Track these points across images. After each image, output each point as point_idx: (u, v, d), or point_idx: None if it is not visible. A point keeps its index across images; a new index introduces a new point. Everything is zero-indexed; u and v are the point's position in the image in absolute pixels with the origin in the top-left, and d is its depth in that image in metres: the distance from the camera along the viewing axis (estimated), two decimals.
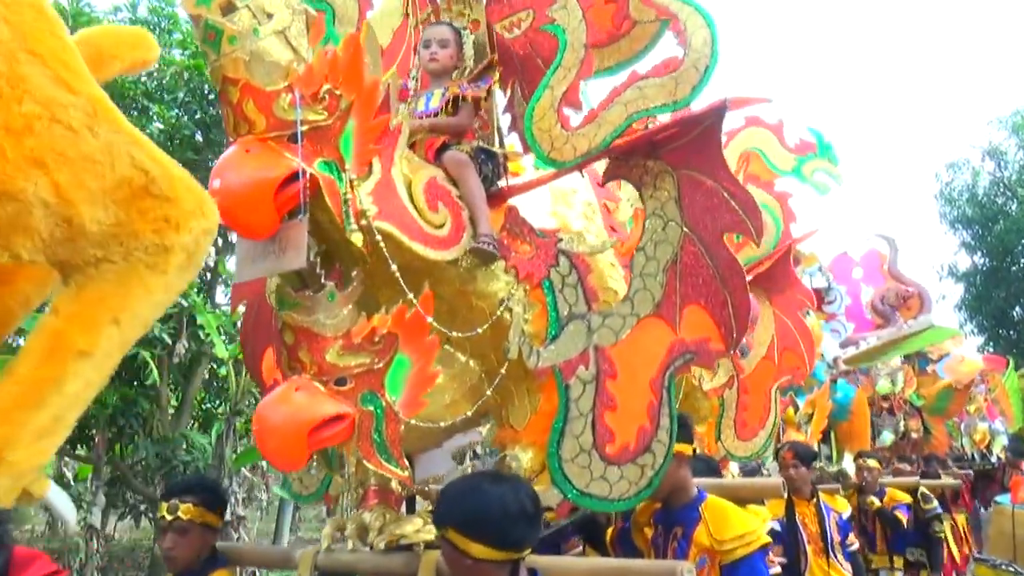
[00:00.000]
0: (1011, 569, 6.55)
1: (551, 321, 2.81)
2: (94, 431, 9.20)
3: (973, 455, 13.57)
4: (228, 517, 9.23)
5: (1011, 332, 27.10)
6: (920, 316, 10.78)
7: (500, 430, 2.96)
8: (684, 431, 3.00)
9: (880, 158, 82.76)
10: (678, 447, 2.93)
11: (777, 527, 5.29)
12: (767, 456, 5.65)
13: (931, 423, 11.81)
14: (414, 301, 2.51)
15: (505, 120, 3.32)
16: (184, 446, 9.71)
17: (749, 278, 2.99)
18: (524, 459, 2.81)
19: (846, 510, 5.48)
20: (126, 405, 8.93)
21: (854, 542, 5.43)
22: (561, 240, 2.89)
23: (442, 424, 2.73)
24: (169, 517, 2.86)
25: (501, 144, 3.28)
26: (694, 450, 3.17)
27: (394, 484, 2.77)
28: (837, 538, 5.26)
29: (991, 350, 27.45)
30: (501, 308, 2.78)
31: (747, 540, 2.96)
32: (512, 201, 3.07)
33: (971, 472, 11.77)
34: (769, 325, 5.16)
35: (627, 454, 2.80)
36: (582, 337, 2.82)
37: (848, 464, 7.86)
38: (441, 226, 2.65)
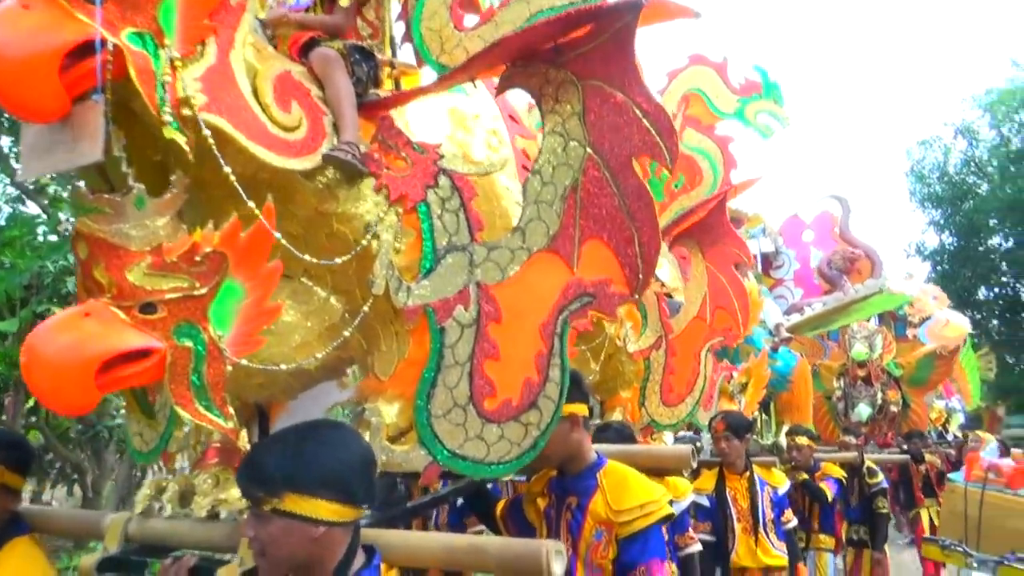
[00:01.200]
0: (959, 550, 6.20)
1: (425, 252, 2.38)
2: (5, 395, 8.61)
3: (930, 433, 13.14)
4: None
5: (977, 312, 27.06)
6: (869, 280, 10.27)
7: (365, 379, 2.52)
8: (578, 390, 2.62)
9: (851, 134, 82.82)
10: (571, 407, 2.56)
11: (706, 502, 4.96)
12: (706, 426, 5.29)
13: (910, 395, 10.87)
14: (257, 212, 2.07)
15: (401, 30, 2.88)
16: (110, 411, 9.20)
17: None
18: (388, 414, 2.36)
19: (783, 485, 5.10)
20: None
21: (790, 519, 5.05)
22: (443, 157, 2.44)
23: (284, 367, 2.29)
24: None
25: (393, 54, 2.84)
26: (590, 410, 2.76)
27: (243, 442, 2.36)
28: (770, 515, 4.90)
29: None
30: (368, 234, 2.35)
31: (647, 511, 2.57)
32: (402, 126, 2.64)
33: (952, 452, 10.70)
34: (701, 281, 4.77)
35: (509, 410, 2.41)
36: (462, 272, 2.40)
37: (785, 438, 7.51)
38: (293, 129, 2.21)
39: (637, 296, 2.50)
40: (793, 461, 6.67)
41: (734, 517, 4.85)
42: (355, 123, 2.33)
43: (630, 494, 2.61)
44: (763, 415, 8.30)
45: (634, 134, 2.36)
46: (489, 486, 3.43)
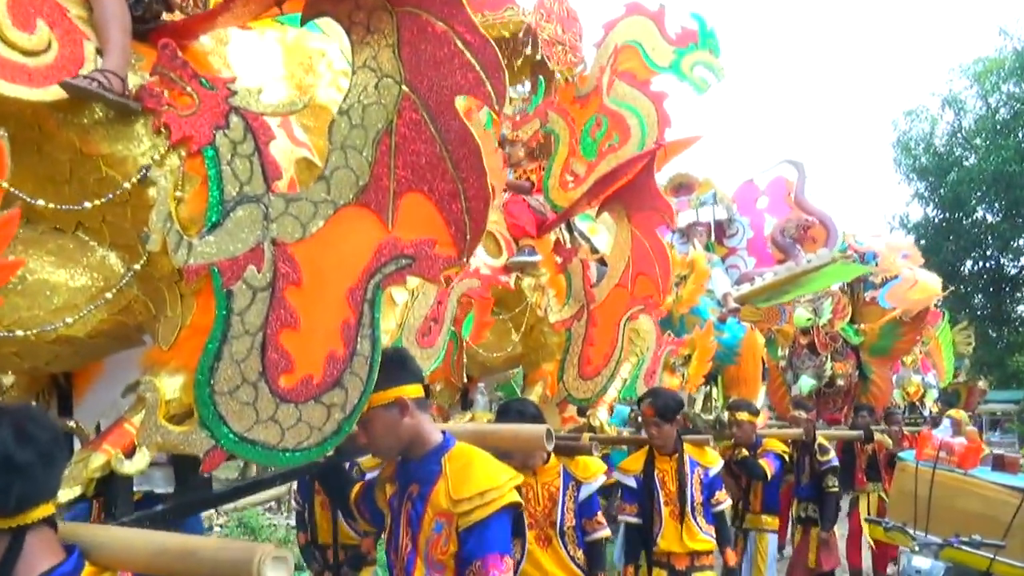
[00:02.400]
0: (906, 532, 5.89)
1: (212, 203, 2.03)
2: None
3: (905, 409, 12.62)
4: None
5: (962, 287, 26.79)
6: (822, 250, 9.81)
7: (148, 350, 2.19)
8: (404, 369, 2.33)
9: (837, 105, 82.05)
10: (398, 390, 2.27)
11: (633, 483, 4.68)
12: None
13: (871, 366, 10.38)
14: None
15: None
16: None
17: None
18: (167, 388, 2.03)
19: (715, 465, 4.77)
20: None
21: (720, 501, 4.74)
22: (235, 94, 2.10)
23: (32, 332, 1.96)
24: None
25: None
26: (426, 389, 2.43)
27: None
28: (699, 498, 4.60)
29: (942, 306, 27.13)
30: (136, 178, 2.00)
31: (487, 499, 2.26)
32: (219, 62, 2.31)
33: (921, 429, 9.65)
34: (626, 247, 4.45)
35: (309, 389, 2.11)
36: (255, 227, 2.06)
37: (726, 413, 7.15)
38: (37, 53, 1.86)
39: (464, 260, 2.18)
40: (734, 437, 6.41)
41: (661, 500, 4.55)
42: (123, 49, 1.97)
43: (471, 481, 2.30)
44: (711, 388, 8.01)
45: (457, 71, 2.04)
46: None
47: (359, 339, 2.15)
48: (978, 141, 25.61)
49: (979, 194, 25.54)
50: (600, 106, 4.84)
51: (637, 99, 4.72)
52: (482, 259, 4.31)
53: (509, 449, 2.70)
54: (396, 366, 2.27)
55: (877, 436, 8.70)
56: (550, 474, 3.86)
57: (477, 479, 2.31)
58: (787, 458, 6.64)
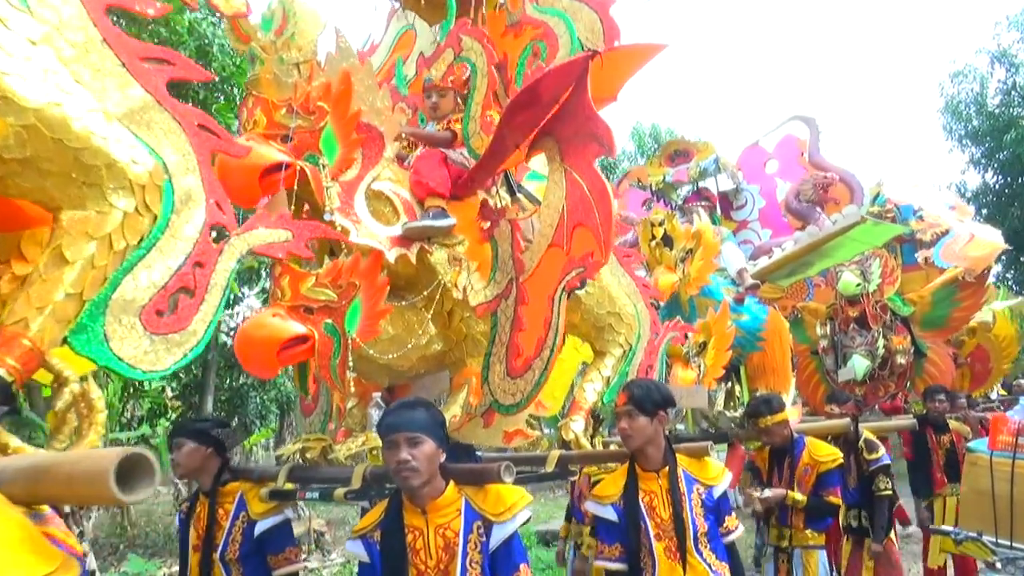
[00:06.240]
0: (983, 543, 4.51)
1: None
2: None
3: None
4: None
5: None
6: (848, 208, 8.26)
7: None
8: None
9: (879, 75, 79.08)
10: None
11: (613, 515, 3.50)
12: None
13: (925, 341, 8.62)
14: None
15: None
16: None
17: None
18: None
19: (719, 480, 3.54)
20: None
21: (731, 529, 3.50)
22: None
23: None
24: None
25: None
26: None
27: None
28: (703, 525, 3.40)
29: (1011, 277, 25.06)
30: None
31: None
32: None
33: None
34: (559, 193, 3.30)
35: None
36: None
37: None
38: None
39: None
40: (765, 441, 5.20)
41: (651, 533, 3.39)
42: None
43: None
44: (733, 383, 6.77)
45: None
46: None
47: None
48: None
49: None
50: (536, 28, 3.74)
51: (571, 6, 3.62)
52: (370, 230, 3.23)
53: (64, 499, 1.77)
54: None
55: (952, 424, 7.18)
56: (446, 512, 2.67)
57: None
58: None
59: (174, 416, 16.52)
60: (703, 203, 9.19)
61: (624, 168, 19.62)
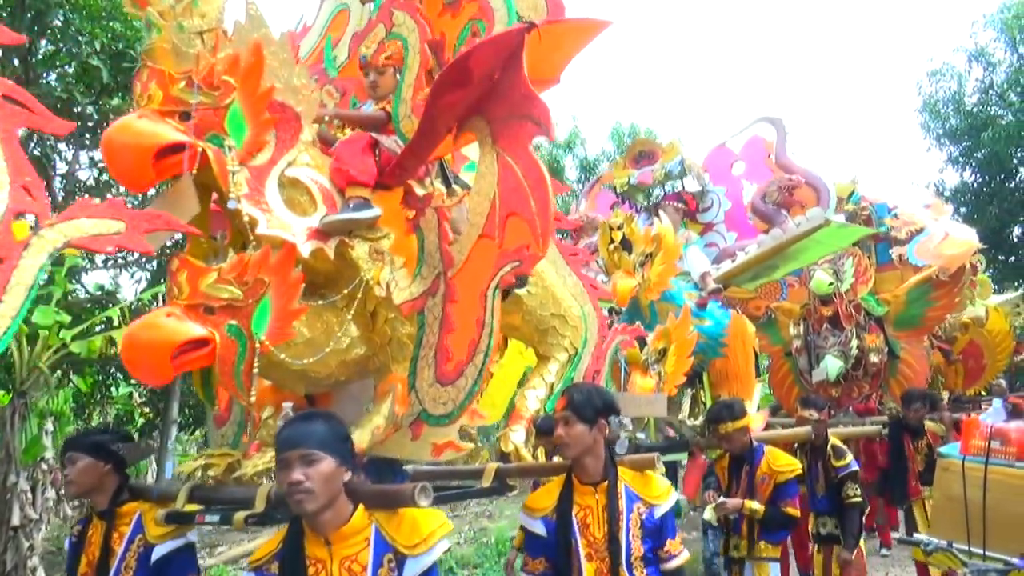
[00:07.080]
0: (954, 552, 4.26)
1: None
2: None
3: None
4: (16, 521, 7.50)
5: (1011, 255, 24.97)
6: (812, 210, 8.09)
7: None
8: None
9: (856, 73, 79.39)
10: None
11: (542, 529, 3.20)
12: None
13: (900, 341, 8.57)
14: None
15: None
16: None
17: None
18: None
19: (663, 500, 3.21)
20: None
21: (673, 554, 3.19)
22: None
23: None
24: None
25: None
26: None
27: None
28: (639, 548, 3.10)
29: (989, 275, 24.96)
30: None
31: None
32: None
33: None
34: (491, 179, 3.00)
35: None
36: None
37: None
38: None
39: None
40: (725, 448, 4.99)
41: (581, 553, 3.09)
42: None
43: None
44: (698, 389, 6.54)
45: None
46: None
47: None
48: (1012, 96, 23.61)
49: (1020, 153, 23.64)
50: (471, 3, 3.45)
51: None
52: (282, 220, 2.93)
53: None
54: None
55: (928, 425, 7.09)
56: (353, 543, 2.35)
57: None
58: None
59: (142, 423, 16.24)
60: (678, 204, 9.04)
61: (604, 170, 19.48)
